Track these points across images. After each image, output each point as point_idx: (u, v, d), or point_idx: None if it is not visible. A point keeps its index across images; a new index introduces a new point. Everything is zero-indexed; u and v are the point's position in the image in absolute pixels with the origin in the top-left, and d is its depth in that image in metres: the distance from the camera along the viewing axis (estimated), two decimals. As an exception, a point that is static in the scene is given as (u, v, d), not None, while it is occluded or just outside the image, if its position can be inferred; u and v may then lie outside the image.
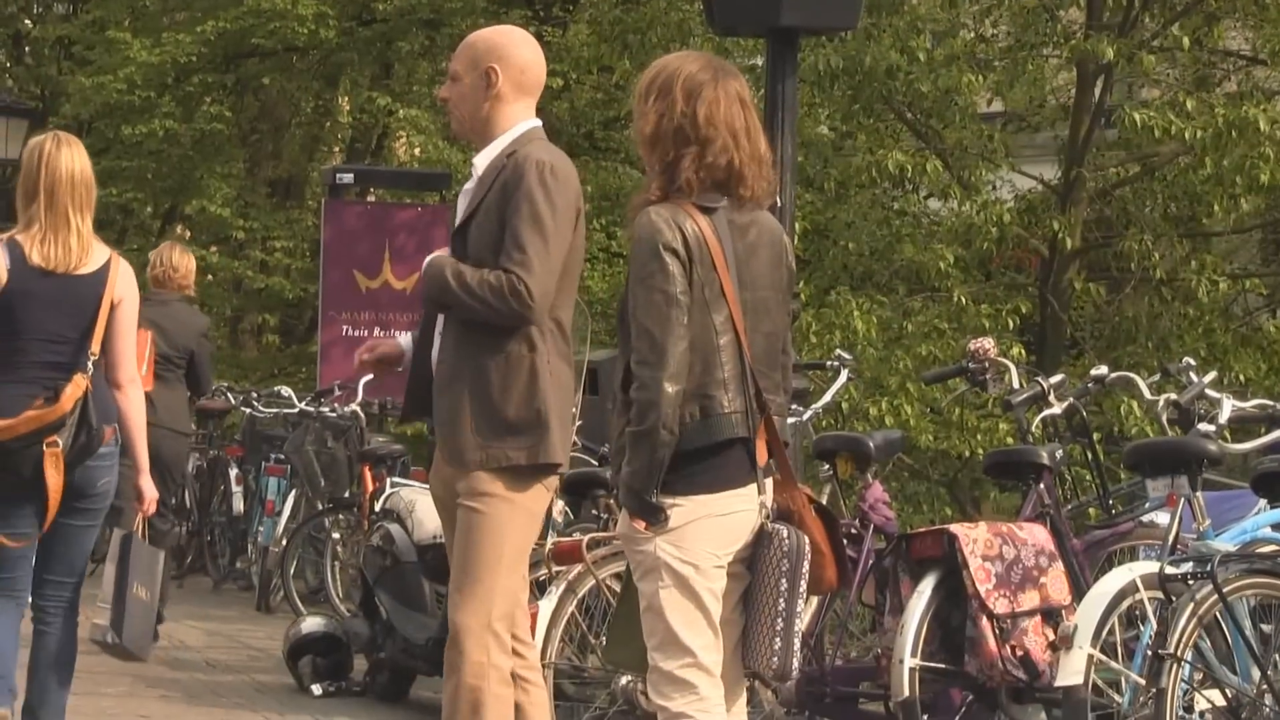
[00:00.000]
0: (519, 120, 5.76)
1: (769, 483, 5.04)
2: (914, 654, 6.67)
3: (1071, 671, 6.18)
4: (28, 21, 28.92)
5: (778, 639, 4.94)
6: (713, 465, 4.92)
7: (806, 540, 4.99)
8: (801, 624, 5.03)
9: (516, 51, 5.78)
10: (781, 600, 4.95)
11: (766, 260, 5.09)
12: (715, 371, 4.92)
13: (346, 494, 12.50)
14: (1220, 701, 6.23)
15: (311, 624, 10.06)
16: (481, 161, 5.77)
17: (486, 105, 5.74)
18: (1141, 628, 6.46)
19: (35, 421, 6.31)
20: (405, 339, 6.08)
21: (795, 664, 5.01)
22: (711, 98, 4.97)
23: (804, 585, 4.98)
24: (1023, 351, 11.43)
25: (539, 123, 5.81)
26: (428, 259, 5.77)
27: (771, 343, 5.10)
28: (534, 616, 7.19)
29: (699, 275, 4.90)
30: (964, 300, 12.39)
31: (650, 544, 4.93)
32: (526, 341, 5.61)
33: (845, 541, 7.37)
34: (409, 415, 6.60)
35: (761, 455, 5.00)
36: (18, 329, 6.36)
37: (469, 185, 5.83)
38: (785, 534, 4.98)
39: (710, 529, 4.93)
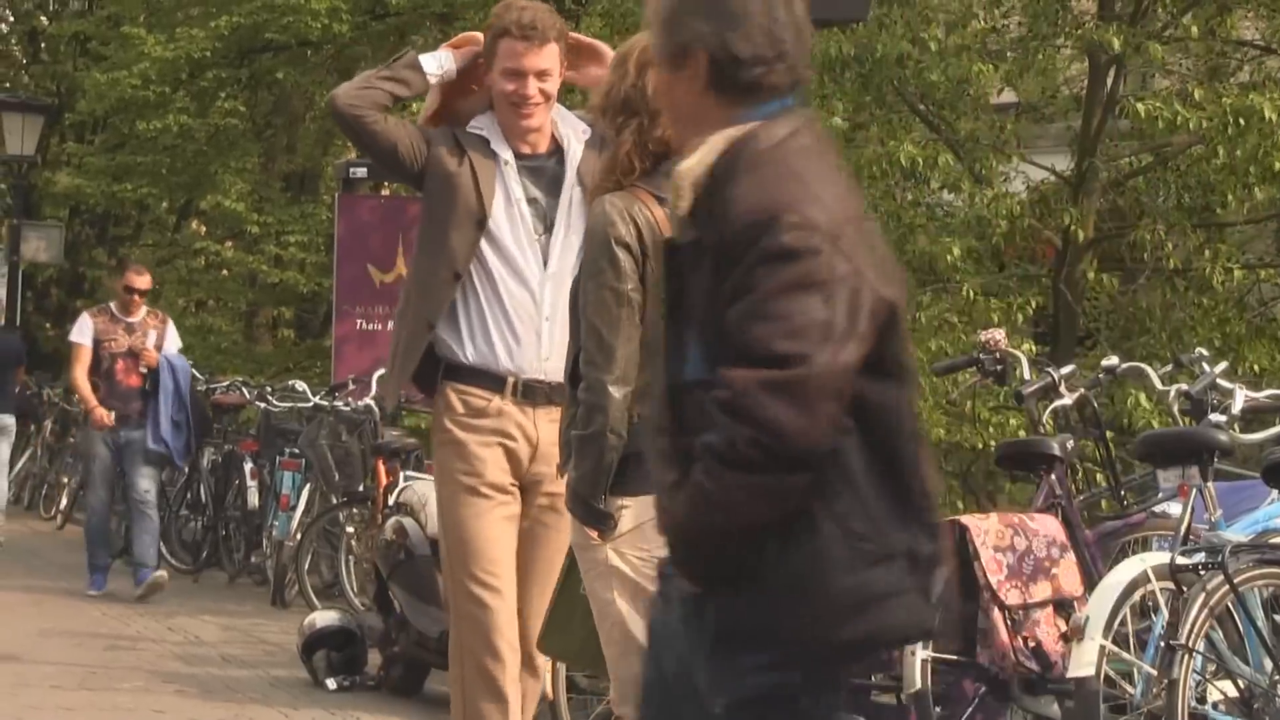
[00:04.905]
0: None
1: None
2: (926, 645, 6.66)
3: (1084, 663, 6.17)
4: (44, 18, 29.03)
5: None
6: None
7: None
8: None
9: None
10: None
11: None
12: None
13: (360, 488, 12.52)
14: (1233, 692, 6.22)
15: (326, 618, 10.08)
16: None
17: None
18: (1154, 619, 6.45)
19: None
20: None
21: None
22: None
23: None
24: (1033, 347, 11.40)
25: None
26: None
27: None
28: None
29: (653, 270, 4.72)
30: (973, 294, 12.37)
31: (602, 550, 4.78)
32: None
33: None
34: None
35: None
36: None
37: None
38: None
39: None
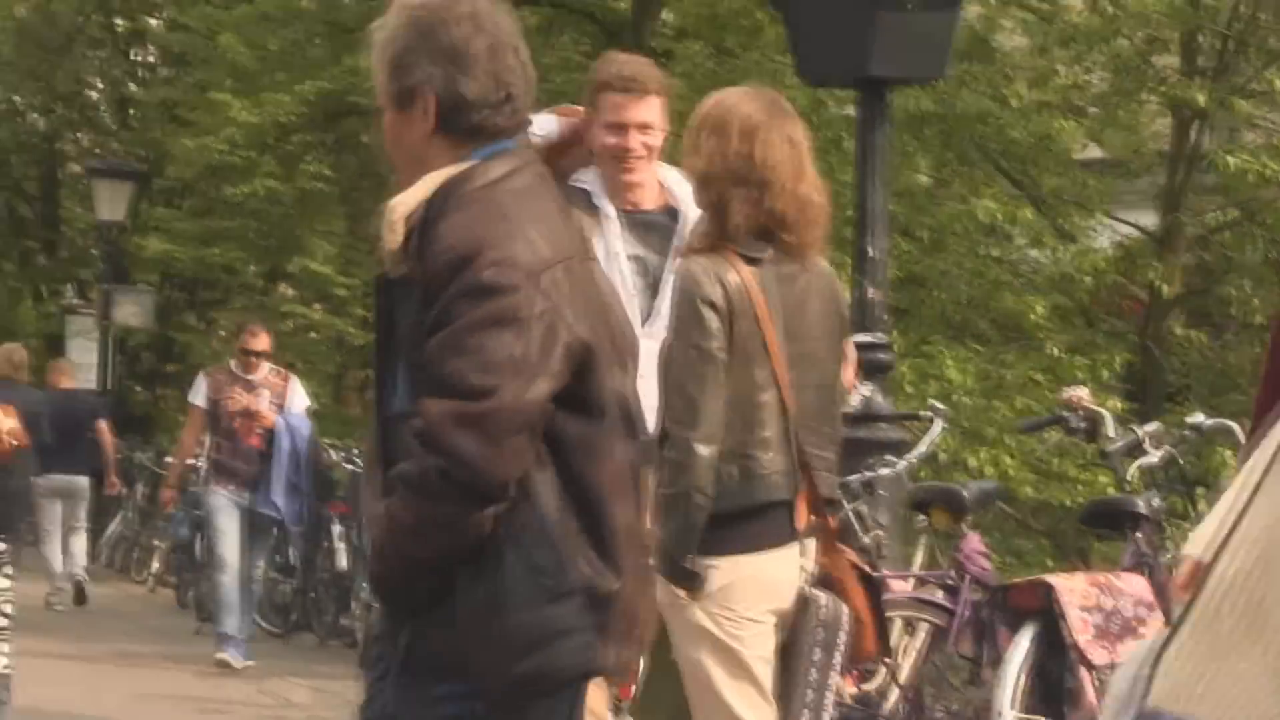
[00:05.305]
0: None
1: (811, 546, 4.86)
2: (1013, 706, 6.62)
3: (1173, 723, 6.10)
4: (132, 85, 29.37)
5: (806, 711, 4.76)
6: (751, 526, 4.73)
7: (845, 609, 4.82)
8: (832, 695, 4.81)
9: None
10: (814, 670, 4.77)
11: (818, 310, 4.93)
12: (756, 430, 4.74)
13: (447, 549, 12.50)
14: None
15: (413, 680, 10.08)
16: None
17: None
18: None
19: None
20: None
21: None
22: (766, 139, 4.82)
23: (839, 656, 4.80)
24: (1119, 404, 11.33)
25: None
26: None
27: (822, 395, 4.94)
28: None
29: (740, 329, 4.74)
30: (1056, 352, 12.32)
31: (691, 610, 4.74)
32: None
33: (942, 593, 7.40)
34: None
35: (802, 517, 4.82)
36: None
37: None
38: (823, 601, 4.80)
39: (750, 590, 4.74)
